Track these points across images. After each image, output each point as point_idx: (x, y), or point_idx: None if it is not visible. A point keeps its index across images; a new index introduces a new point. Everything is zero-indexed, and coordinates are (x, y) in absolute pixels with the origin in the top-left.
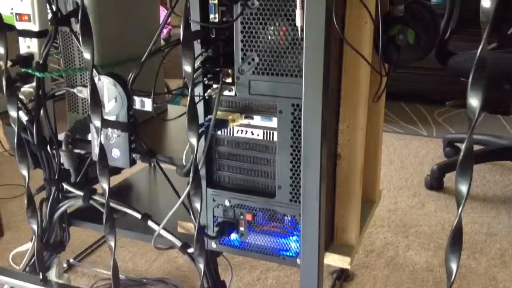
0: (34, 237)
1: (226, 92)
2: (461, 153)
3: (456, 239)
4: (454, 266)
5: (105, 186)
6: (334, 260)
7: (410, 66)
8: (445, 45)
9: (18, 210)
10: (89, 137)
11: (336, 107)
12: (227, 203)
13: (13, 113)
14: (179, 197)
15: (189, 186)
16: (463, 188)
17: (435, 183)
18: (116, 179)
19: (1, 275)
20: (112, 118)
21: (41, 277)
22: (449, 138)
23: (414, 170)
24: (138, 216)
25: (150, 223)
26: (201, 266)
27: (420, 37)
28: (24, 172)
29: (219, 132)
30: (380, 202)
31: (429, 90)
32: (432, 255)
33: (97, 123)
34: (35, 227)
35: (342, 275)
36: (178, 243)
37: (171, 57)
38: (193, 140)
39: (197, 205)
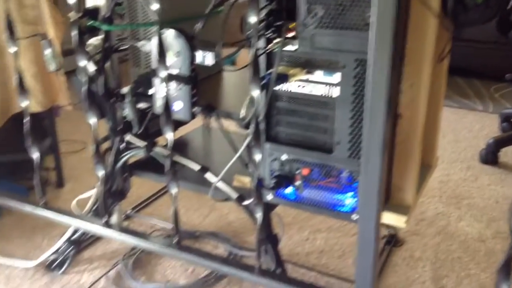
0: (99, 182)
1: (288, 47)
2: None
3: None
4: None
5: (169, 136)
6: (389, 218)
7: (468, 39)
8: (507, 16)
9: (77, 164)
10: (151, 91)
11: (400, 65)
12: (284, 157)
13: (82, 63)
14: (236, 151)
15: (249, 137)
16: None
17: (490, 157)
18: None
19: (68, 217)
20: (175, 71)
21: (104, 220)
22: (507, 113)
23: (468, 144)
24: (197, 167)
25: (207, 175)
26: (258, 216)
27: None
28: (92, 121)
29: (278, 88)
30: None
31: (486, 65)
32: (484, 226)
33: (162, 75)
34: (101, 172)
35: (392, 240)
36: (234, 195)
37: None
38: (255, 92)
39: (257, 156)
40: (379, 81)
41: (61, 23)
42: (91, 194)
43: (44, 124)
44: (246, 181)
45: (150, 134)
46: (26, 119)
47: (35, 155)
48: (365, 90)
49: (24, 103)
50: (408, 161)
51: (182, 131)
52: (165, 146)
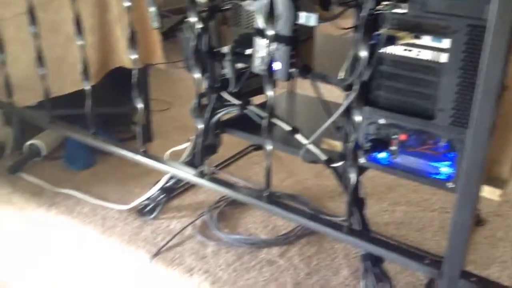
0: (194, 135)
1: (397, 10)
2: None
3: None
4: None
5: (270, 94)
6: (484, 191)
7: None
8: None
9: (163, 122)
10: (249, 51)
11: None
12: (381, 121)
13: (192, 20)
14: (327, 114)
15: (349, 99)
16: None
17: None
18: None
19: (166, 165)
20: (277, 32)
21: (200, 169)
22: None
23: None
24: (288, 128)
25: (298, 136)
26: (352, 177)
27: None
28: (196, 75)
29: (383, 50)
30: None
31: None
32: None
33: (269, 34)
34: (200, 125)
35: (475, 219)
36: (323, 157)
37: None
38: (363, 53)
39: (357, 118)
40: (497, 48)
41: None
42: (183, 147)
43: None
44: (335, 144)
45: (243, 94)
46: (135, 72)
47: (140, 105)
48: (481, 56)
49: (133, 56)
50: (508, 134)
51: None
52: (258, 105)
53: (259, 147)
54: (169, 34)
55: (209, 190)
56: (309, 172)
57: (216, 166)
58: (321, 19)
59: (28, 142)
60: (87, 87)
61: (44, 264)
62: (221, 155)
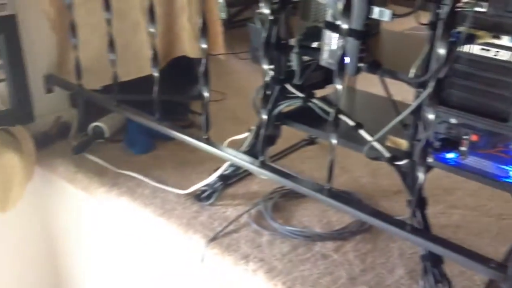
0: (254, 126)
1: (476, 8)
2: None
3: None
4: None
5: (339, 87)
6: None
7: None
8: None
9: (217, 112)
10: (314, 44)
11: None
12: (453, 121)
13: (266, 11)
14: (398, 112)
15: (422, 96)
16: None
17: None
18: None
19: (227, 154)
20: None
21: (261, 159)
22: None
23: None
24: (352, 123)
25: (362, 132)
26: (420, 175)
27: None
28: (265, 66)
29: (459, 49)
30: None
31: None
32: None
33: (343, 27)
34: (264, 116)
35: None
36: (387, 154)
37: None
38: (442, 51)
39: (430, 116)
40: None
41: None
42: (242, 136)
43: (196, 71)
44: (399, 142)
45: (304, 87)
46: (203, 61)
47: (206, 94)
48: None
49: (203, 46)
50: None
51: (323, 91)
52: (319, 98)
53: (311, 142)
54: (227, 26)
55: (262, 181)
56: (363, 170)
57: (271, 157)
58: (395, 15)
59: (93, 124)
60: (156, 73)
61: (106, 242)
62: (273, 148)
